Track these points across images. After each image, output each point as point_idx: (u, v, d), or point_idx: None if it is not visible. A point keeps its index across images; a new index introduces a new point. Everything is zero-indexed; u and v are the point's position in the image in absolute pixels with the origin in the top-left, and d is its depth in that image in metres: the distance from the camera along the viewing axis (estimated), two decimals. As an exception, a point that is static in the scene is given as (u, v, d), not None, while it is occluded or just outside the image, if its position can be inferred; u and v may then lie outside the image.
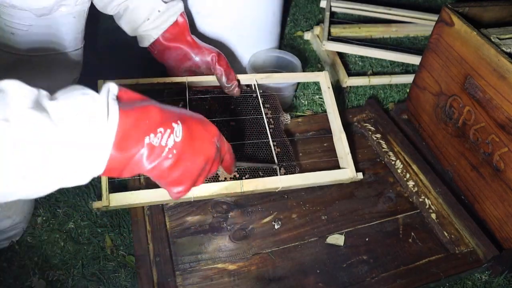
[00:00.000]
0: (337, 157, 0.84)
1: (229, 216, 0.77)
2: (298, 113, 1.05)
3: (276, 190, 0.76)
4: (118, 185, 0.79)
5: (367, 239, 0.76)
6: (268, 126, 0.80)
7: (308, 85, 1.14)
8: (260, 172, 0.74)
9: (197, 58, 0.78)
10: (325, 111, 1.04)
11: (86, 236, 0.77)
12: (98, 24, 1.12)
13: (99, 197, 0.81)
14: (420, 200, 0.83)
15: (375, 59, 1.27)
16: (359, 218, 0.79)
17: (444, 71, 0.86)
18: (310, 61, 1.26)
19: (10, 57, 0.72)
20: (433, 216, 0.80)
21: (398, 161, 0.90)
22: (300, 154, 0.90)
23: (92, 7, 0.76)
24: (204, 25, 1.01)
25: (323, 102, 1.08)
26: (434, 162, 0.93)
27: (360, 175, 0.80)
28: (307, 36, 1.34)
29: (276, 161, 0.75)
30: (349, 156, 0.80)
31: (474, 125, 0.80)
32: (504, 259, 0.74)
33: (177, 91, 0.79)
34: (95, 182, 0.83)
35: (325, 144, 0.93)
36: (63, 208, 0.80)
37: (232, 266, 0.70)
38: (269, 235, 0.75)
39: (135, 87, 0.78)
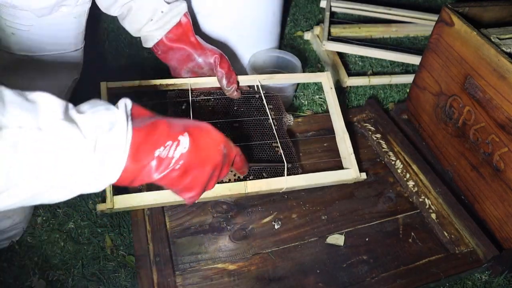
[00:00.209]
0: (337, 157, 0.84)
1: (229, 216, 0.77)
2: (298, 113, 1.05)
3: (280, 191, 0.76)
4: (120, 188, 0.79)
5: (367, 239, 0.76)
6: (272, 127, 0.80)
7: (308, 85, 1.14)
8: (264, 174, 0.75)
9: (200, 59, 0.78)
10: (325, 111, 1.05)
11: (86, 236, 0.77)
12: (98, 24, 1.12)
13: (99, 198, 0.81)
14: (420, 200, 0.83)
15: (375, 59, 1.27)
16: (359, 218, 0.79)
17: (444, 71, 0.86)
18: (310, 61, 1.26)
19: (11, 57, 0.73)
20: (433, 216, 0.80)
21: (398, 161, 0.90)
22: (301, 154, 0.90)
23: (93, 8, 0.76)
24: (204, 25, 1.01)
25: (323, 102, 1.09)
26: (434, 162, 0.93)
27: (363, 175, 0.80)
28: (307, 36, 1.34)
29: (284, 160, 0.75)
30: (353, 156, 0.80)
31: (474, 125, 0.80)
32: (504, 259, 0.74)
33: (180, 92, 0.80)
34: (95, 182, 0.83)
35: (325, 144, 0.93)
36: (63, 208, 0.80)
37: (232, 266, 0.70)
38: (269, 235, 0.75)
39: (137, 89, 0.78)
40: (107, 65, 1.09)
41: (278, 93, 0.89)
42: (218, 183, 0.72)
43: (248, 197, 0.79)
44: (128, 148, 0.41)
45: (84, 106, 0.41)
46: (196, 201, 0.72)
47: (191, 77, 0.81)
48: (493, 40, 0.77)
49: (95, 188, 0.41)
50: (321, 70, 1.24)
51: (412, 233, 0.78)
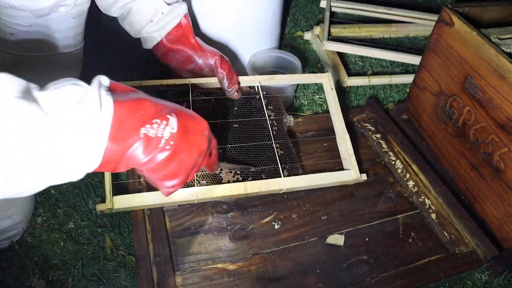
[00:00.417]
0: (338, 157, 0.84)
1: (229, 216, 0.77)
2: (299, 113, 1.05)
3: (280, 192, 0.76)
4: (120, 188, 0.79)
5: (367, 239, 0.76)
6: (271, 128, 0.80)
7: (308, 85, 1.14)
8: (262, 175, 0.75)
9: (200, 61, 0.79)
10: (325, 111, 1.04)
11: (86, 236, 0.77)
12: (98, 24, 1.12)
13: (99, 197, 0.81)
14: (420, 200, 0.83)
15: (375, 59, 1.27)
16: (359, 218, 0.79)
17: (444, 71, 0.86)
18: (310, 61, 1.26)
19: (10, 57, 0.72)
20: (433, 216, 0.80)
21: (398, 161, 0.90)
22: (301, 154, 0.90)
23: (92, 8, 0.76)
24: (204, 25, 1.01)
25: (323, 102, 1.09)
26: (434, 162, 0.93)
27: (364, 177, 0.80)
28: (307, 36, 1.34)
29: (279, 162, 0.75)
30: (353, 158, 0.80)
31: (474, 125, 0.80)
32: (504, 259, 0.74)
33: (180, 92, 0.80)
34: (95, 182, 0.83)
35: (325, 144, 0.93)
36: (63, 208, 0.80)
37: (232, 266, 0.70)
38: (269, 235, 0.75)
39: (139, 89, 0.78)
40: (107, 65, 1.09)
41: (278, 93, 0.89)
42: (217, 183, 0.72)
43: (248, 197, 0.79)
44: (109, 125, 0.37)
45: (49, 84, 0.36)
46: (197, 202, 0.72)
47: (192, 77, 0.81)
48: (493, 40, 0.77)
49: (71, 177, 0.36)
50: (321, 70, 1.24)
51: (412, 233, 0.78)
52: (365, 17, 1.42)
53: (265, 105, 0.83)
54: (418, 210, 0.82)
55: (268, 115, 0.82)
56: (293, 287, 0.68)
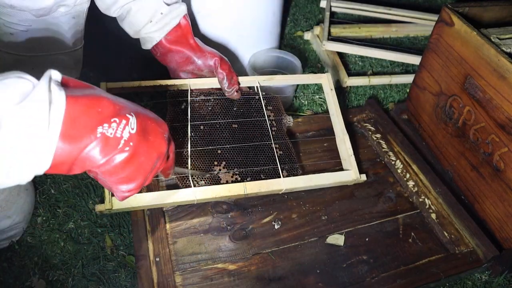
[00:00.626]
0: (337, 157, 0.84)
1: (229, 216, 0.77)
2: (298, 113, 1.05)
3: (280, 192, 0.76)
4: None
5: (367, 239, 0.76)
6: (271, 129, 0.80)
7: (308, 85, 1.14)
8: (261, 175, 0.75)
9: (199, 62, 0.78)
10: (325, 111, 1.04)
11: (86, 236, 0.77)
12: (98, 24, 1.12)
13: (99, 197, 0.81)
14: (420, 200, 0.83)
15: (375, 59, 1.27)
16: (359, 218, 0.79)
17: (444, 71, 0.86)
18: (310, 61, 1.26)
19: (10, 57, 0.72)
20: (433, 216, 0.80)
21: (398, 161, 0.90)
22: (300, 154, 0.90)
23: (92, 8, 0.76)
24: (204, 25, 1.01)
25: (323, 102, 1.09)
26: (434, 162, 0.93)
27: (363, 177, 0.80)
28: (307, 36, 1.34)
29: (278, 163, 0.75)
30: (353, 158, 0.80)
31: (474, 125, 0.80)
32: (504, 259, 0.74)
33: (179, 92, 0.80)
34: (95, 182, 0.83)
35: (325, 144, 0.93)
36: (63, 208, 0.80)
37: (232, 266, 0.70)
38: (269, 235, 0.75)
39: (138, 89, 0.78)
40: (107, 65, 1.09)
41: (278, 94, 0.89)
42: (217, 184, 0.72)
43: (248, 197, 0.79)
44: (60, 122, 0.34)
45: None
46: (196, 202, 0.72)
47: (191, 78, 0.81)
48: (493, 40, 0.77)
49: (17, 180, 0.33)
50: (321, 70, 1.24)
51: (412, 233, 0.78)
52: (365, 17, 1.42)
53: (265, 105, 0.83)
54: (418, 210, 0.82)
55: (267, 116, 0.82)
56: (293, 287, 0.68)
